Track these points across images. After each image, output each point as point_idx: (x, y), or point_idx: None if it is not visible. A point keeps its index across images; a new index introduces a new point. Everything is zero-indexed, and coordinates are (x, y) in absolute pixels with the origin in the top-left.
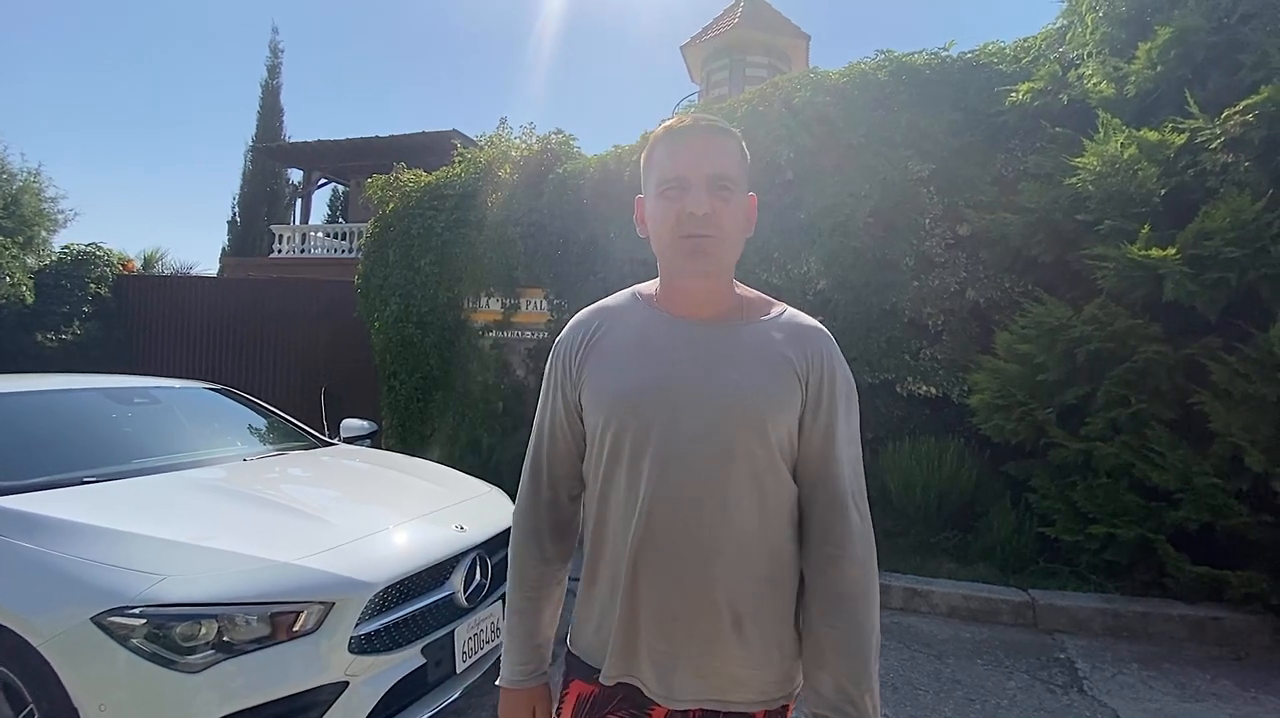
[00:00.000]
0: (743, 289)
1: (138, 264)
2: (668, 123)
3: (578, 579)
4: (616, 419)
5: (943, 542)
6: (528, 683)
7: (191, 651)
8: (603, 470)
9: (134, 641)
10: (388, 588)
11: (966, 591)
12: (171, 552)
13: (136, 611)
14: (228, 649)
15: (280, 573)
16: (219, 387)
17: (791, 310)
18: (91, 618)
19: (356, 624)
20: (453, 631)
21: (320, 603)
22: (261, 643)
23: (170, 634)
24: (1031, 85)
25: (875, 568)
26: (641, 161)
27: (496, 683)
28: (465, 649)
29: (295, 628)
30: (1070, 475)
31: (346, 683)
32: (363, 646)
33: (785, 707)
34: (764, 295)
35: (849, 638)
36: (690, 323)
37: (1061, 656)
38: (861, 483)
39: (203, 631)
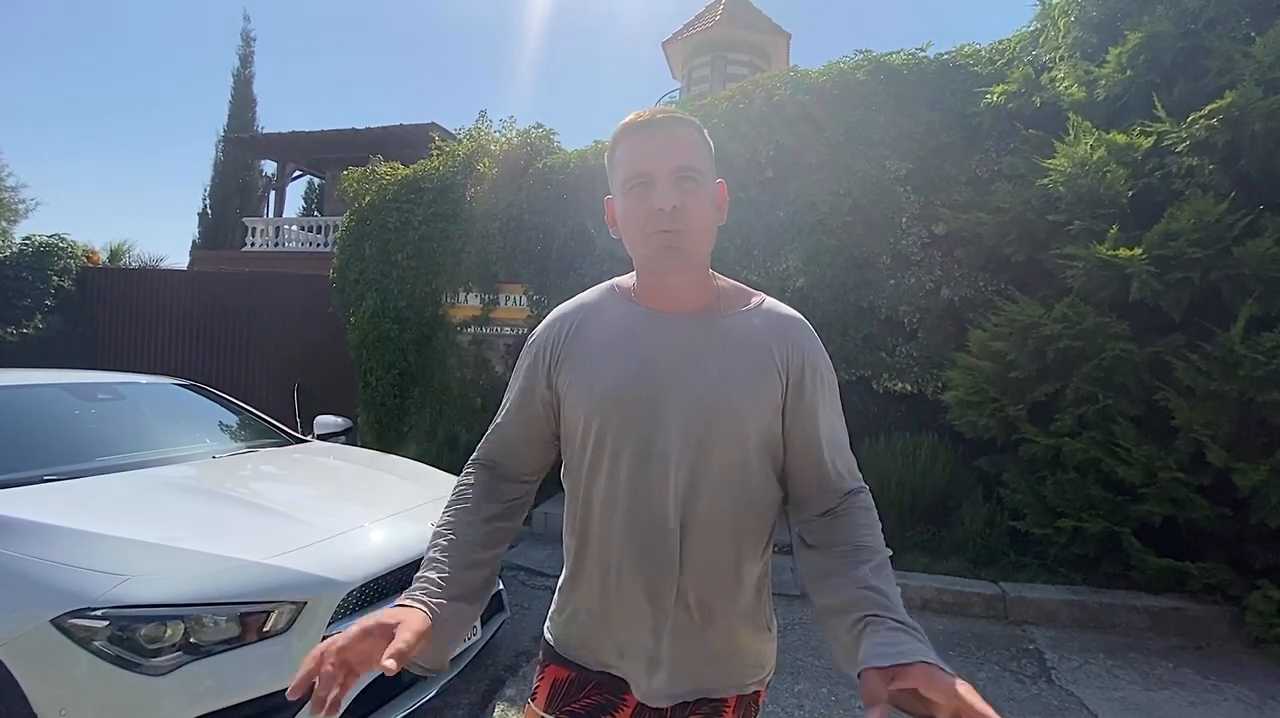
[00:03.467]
0: (721, 280)
1: (104, 257)
2: (626, 120)
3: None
4: (599, 417)
5: (917, 536)
6: (421, 604)
7: (157, 653)
8: (586, 467)
9: (96, 643)
10: (361, 587)
11: (940, 584)
12: (136, 551)
13: (99, 612)
14: (195, 651)
15: (250, 572)
16: (187, 382)
17: (770, 301)
18: (52, 620)
19: (329, 624)
20: None
21: (291, 603)
22: (230, 644)
23: (134, 636)
24: (1006, 88)
25: (875, 517)
26: (605, 161)
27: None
28: None
29: (265, 628)
30: (1040, 470)
31: None
32: None
33: (757, 693)
34: (741, 286)
35: (882, 567)
36: (668, 317)
37: (1030, 647)
38: (852, 462)
39: (168, 632)
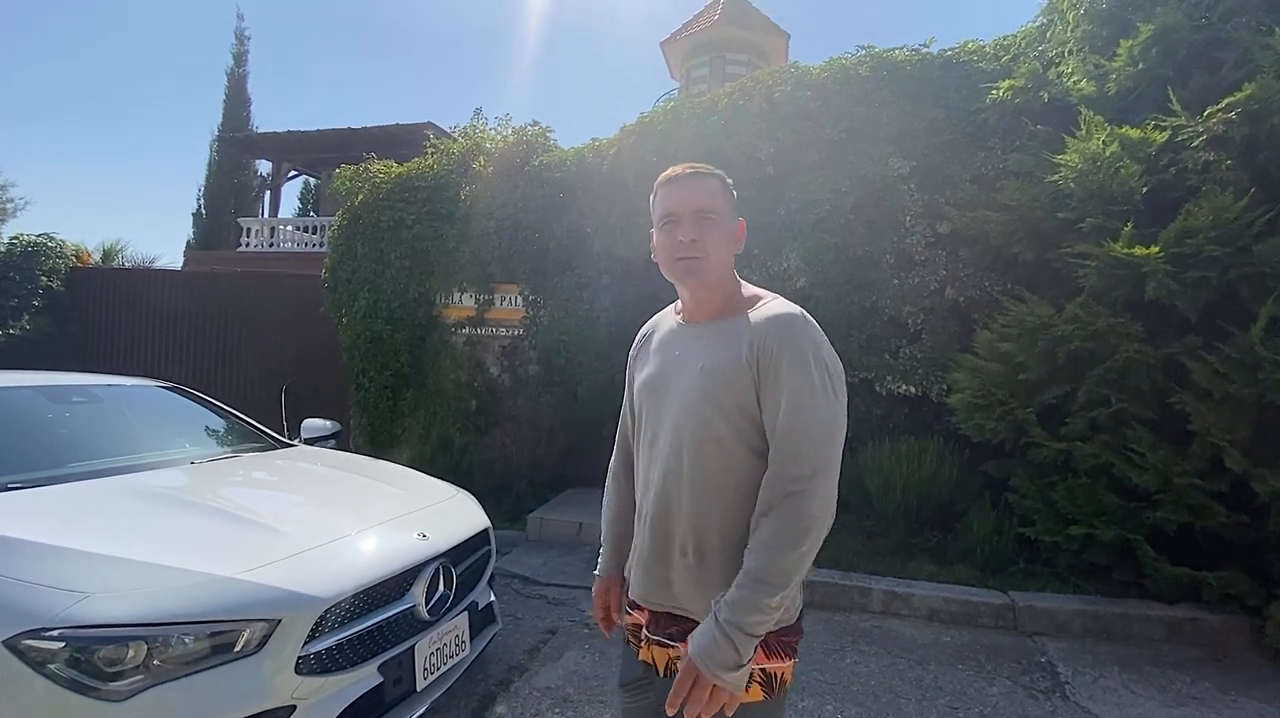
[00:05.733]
0: (747, 289)
1: (96, 257)
2: (664, 173)
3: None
4: (639, 403)
5: (922, 543)
6: (607, 573)
7: (116, 676)
8: (636, 443)
9: (52, 666)
10: (340, 603)
11: (947, 593)
12: (97, 566)
13: (55, 633)
14: (158, 674)
15: (219, 588)
16: (171, 384)
17: (773, 304)
18: (3, 641)
19: (305, 643)
20: (413, 646)
21: (264, 621)
22: (197, 666)
23: (92, 659)
24: (1012, 83)
25: (800, 524)
26: (650, 202)
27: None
28: (427, 666)
29: (236, 649)
30: (1050, 475)
31: (293, 707)
32: (312, 666)
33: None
34: (760, 293)
35: (754, 555)
36: (689, 326)
37: (1043, 659)
38: (813, 451)
39: (130, 654)
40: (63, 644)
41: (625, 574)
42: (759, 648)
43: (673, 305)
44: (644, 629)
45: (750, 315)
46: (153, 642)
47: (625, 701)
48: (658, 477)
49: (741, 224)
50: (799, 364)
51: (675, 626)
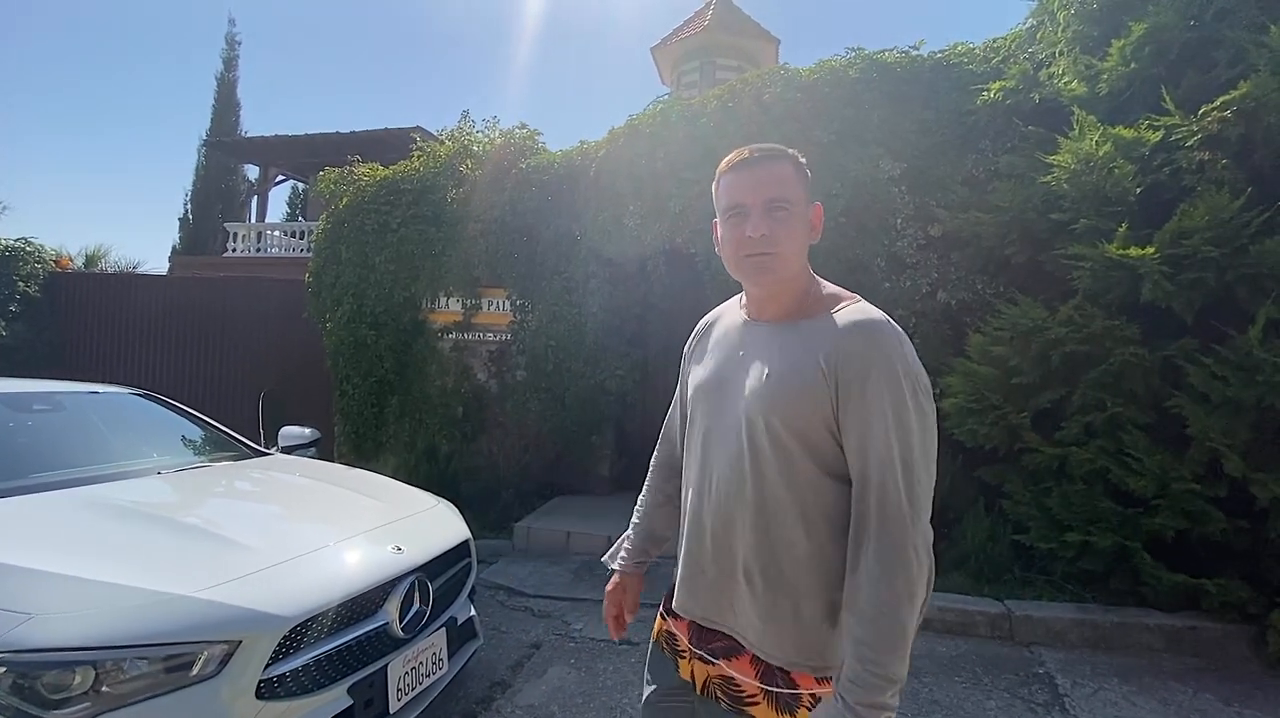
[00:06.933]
0: (826, 287)
1: (78, 262)
2: (729, 156)
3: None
4: (693, 404)
5: None
6: (628, 570)
7: (61, 703)
8: (686, 443)
9: None
10: (306, 621)
11: (942, 602)
12: (43, 586)
13: None
14: (107, 701)
15: (174, 608)
16: (142, 392)
17: (855, 307)
18: None
19: (267, 665)
20: (386, 666)
21: (222, 642)
22: (149, 692)
23: (35, 685)
24: (1003, 84)
25: (905, 572)
26: (712, 189)
27: (607, 562)
28: (401, 686)
29: (192, 672)
30: (1045, 481)
31: None
32: (275, 690)
33: (789, 674)
34: (840, 292)
35: (861, 622)
36: (756, 324)
37: (1040, 671)
38: (910, 480)
39: (76, 679)
40: (3, 669)
41: (641, 572)
42: (811, 675)
43: (738, 297)
44: (683, 640)
45: (830, 320)
46: (101, 666)
47: (656, 699)
48: (717, 489)
49: (818, 209)
50: (888, 380)
51: (719, 641)
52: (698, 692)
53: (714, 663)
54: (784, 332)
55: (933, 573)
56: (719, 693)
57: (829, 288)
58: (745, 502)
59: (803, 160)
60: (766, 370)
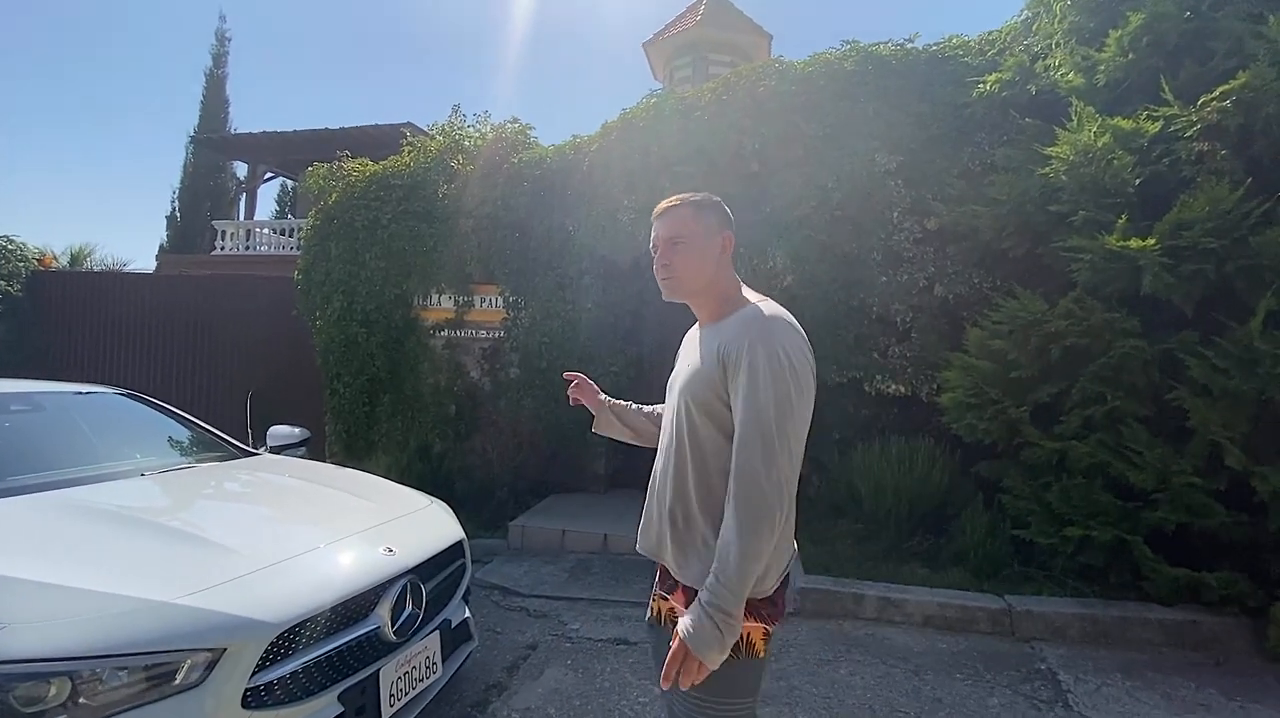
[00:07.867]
0: (749, 294)
1: (64, 260)
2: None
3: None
4: (666, 393)
5: (914, 547)
6: (605, 402)
7: (37, 716)
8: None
9: None
10: (293, 627)
11: (942, 598)
12: (17, 593)
13: None
14: (85, 713)
15: (156, 615)
16: (127, 392)
17: (752, 308)
18: None
19: (254, 673)
20: (378, 671)
21: (206, 650)
22: (129, 703)
23: (8, 698)
24: (999, 76)
25: (753, 509)
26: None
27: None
28: (394, 691)
29: (175, 682)
30: (1044, 476)
31: None
32: (262, 698)
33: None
34: (754, 298)
35: (721, 546)
36: (700, 329)
37: (1042, 667)
38: (767, 439)
39: (52, 691)
40: None
41: (608, 408)
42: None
43: None
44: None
45: (735, 318)
46: (78, 677)
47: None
48: (660, 455)
49: (727, 238)
50: (752, 356)
51: (669, 580)
52: (658, 623)
53: (666, 599)
54: (709, 331)
55: (788, 518)
56: (670, 623)
57: (750, 295)
58: (670, 461)
59: (707, 202)
60: (689, 364)
